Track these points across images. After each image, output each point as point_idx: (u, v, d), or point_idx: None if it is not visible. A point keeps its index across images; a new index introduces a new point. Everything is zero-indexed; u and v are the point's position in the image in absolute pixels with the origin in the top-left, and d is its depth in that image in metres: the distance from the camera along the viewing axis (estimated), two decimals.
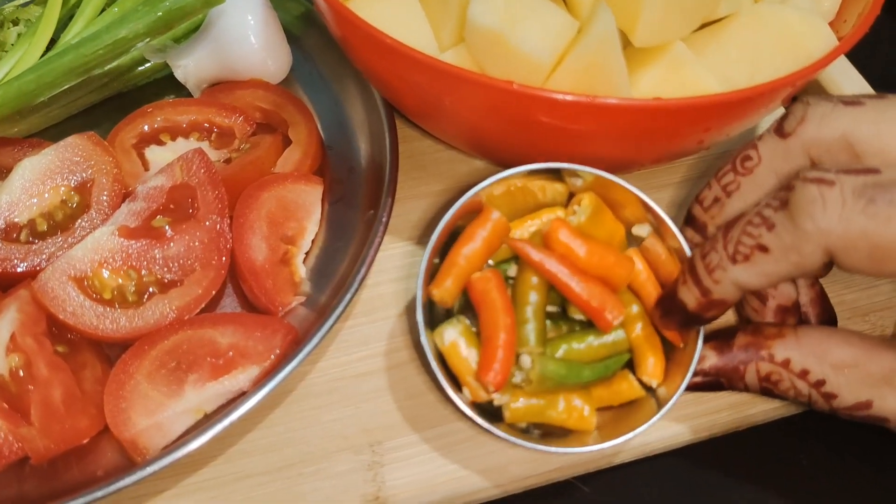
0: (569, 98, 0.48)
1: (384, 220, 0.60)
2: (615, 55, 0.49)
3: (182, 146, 0.66)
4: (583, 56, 0.50)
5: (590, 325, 0.53)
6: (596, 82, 0.50)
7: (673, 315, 0.50)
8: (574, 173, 0.55)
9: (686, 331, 0.52)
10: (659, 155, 0.57)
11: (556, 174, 0.56)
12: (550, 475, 0.54)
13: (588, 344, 0.53)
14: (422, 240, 0.65)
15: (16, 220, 0.57)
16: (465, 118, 0.56)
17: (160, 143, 0.66)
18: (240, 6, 0.68)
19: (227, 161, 0.66)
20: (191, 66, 0.69)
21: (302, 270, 0.60)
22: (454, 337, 0.53)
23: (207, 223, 0.58)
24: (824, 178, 0.42)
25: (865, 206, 0.40)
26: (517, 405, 0.51)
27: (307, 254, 0.63)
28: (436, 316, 0.56)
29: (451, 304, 0.55)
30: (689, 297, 0.48)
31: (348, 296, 0.56)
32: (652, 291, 0.54)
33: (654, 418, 0.50)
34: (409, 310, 0.61)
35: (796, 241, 0.42)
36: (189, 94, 0.73)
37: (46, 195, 0.59)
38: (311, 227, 0.63)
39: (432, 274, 0.55)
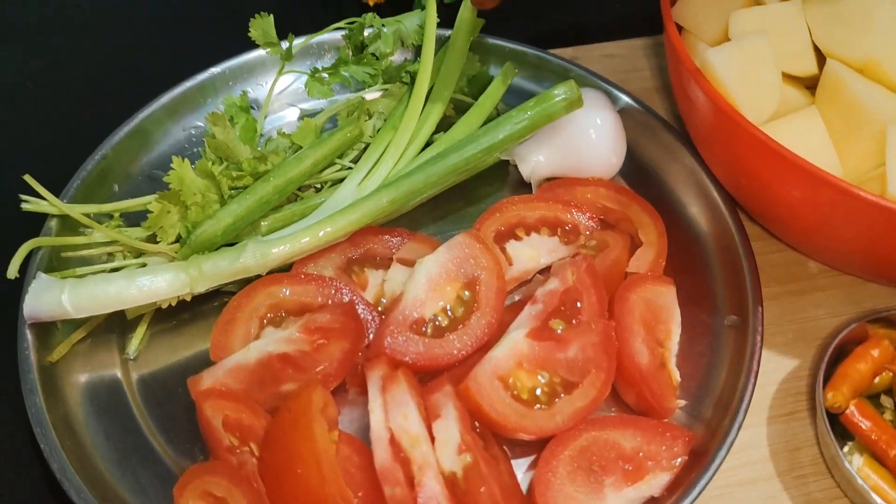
0: None
1: (759, 330, 0.63)
2: None
3: (537, 241, 0.70)
4: None
5: None
6: None
7: None
8: None
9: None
10: None
11: None
12: None
13: None
14: (771, 343, 0.67)
15: (424, 315, 0.62)
16: (871, 243, 0.58)
17: (517, 237, 0.70)
18: (590, 108, 0.72)
19: (575, 257, 0.70)
20: (541, 162, 0.73)
21: (677, 374, 0.63)
22: (860, 463, 0.56)
23: (597, 326, 0.61)
24: None
25: None
26: None
27: None
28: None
29: (843, 409, 0.58)
30: None
31: (743, 408, 0.59)
32: None
33: None
34: (774, 416, 0.63)
35: None
36: (512, 186, 0.77)
37: (446, 291, 0.63)
38: (675, 329, 0.65)
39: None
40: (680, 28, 0.69)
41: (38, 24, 0.93)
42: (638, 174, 0.77)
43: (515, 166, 0.76)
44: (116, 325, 0.66)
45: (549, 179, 0.75)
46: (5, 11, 0.95)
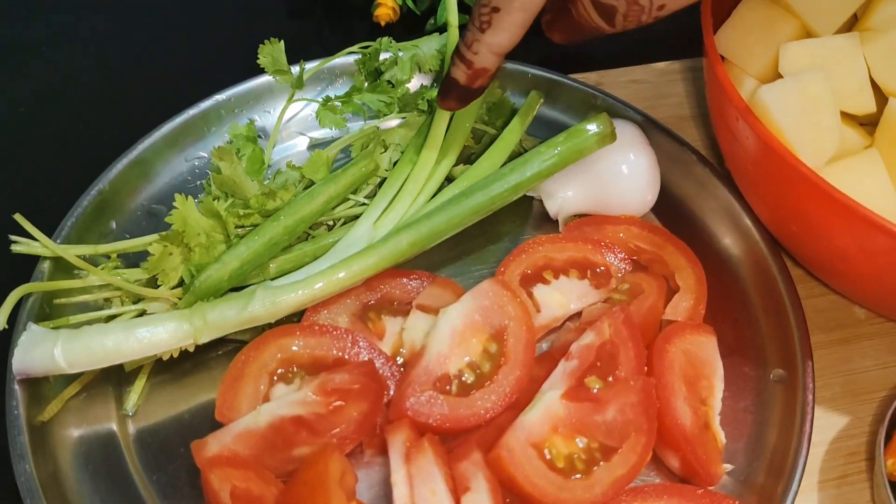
0: None
1: (810, 387, 0.58)
2: None
3: (566, 285, 0.65)
4: None
5: None
6: None
7: (449, 93, 0.57)
8: None
9: (463, 104, 0.58)
10: None
11: None
12: None
13: None
14: (818, 398, 0.62)
15: (448, 371, 0.57)
16: None
17: (544, 281, 0.65)
18: (623, 142, 0.67)
19: (606, 302, 0.65)
20: (569, 198, 0.68)
21: (722, 435, 0.58)
22: None
23: (636, 384, 0.56)
24: None
25: None
26: None
27: None
28: None
29: None
30: (459, 73, 0.55)
31: (797, 475, 0.54)
32: None
33: None
34: (826, 480, 0.58)
35: None
36: (536, 222, 0.72)
37: (471, 344, 0.58)
38: (718, 384, 0.61)
39: None
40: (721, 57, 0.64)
41: (31, 45, 0.88)
42: (670, 210, 0.72)
43: (540, 201, 0.72)
44: (113, 377, 0.61)
45: (576, 216, 0.71)
46: None
